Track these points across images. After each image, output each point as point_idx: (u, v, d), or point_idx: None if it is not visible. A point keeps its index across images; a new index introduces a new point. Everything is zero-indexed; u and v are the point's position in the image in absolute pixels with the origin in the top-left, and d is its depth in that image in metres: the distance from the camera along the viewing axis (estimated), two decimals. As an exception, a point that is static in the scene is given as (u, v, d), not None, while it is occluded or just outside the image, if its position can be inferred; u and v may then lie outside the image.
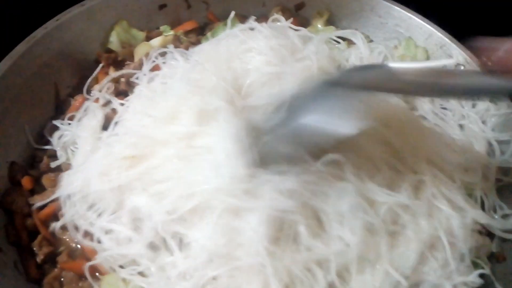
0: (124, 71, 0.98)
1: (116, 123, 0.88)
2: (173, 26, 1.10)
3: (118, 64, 1.02)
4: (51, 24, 0.96)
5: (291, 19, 1.04)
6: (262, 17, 1.07)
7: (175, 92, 0.85)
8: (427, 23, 1.08)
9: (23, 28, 0.95)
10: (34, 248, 0.80)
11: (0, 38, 0.98)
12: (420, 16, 1.09)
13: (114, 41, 1.05)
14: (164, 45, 1.01)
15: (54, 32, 0.96)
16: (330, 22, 1.16)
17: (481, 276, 0.79)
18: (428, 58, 1.07)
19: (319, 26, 1.13)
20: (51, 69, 0.97)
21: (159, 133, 0.79)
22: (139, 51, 1.02)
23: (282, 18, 1.04)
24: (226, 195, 0.70)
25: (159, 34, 1.07)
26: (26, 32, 0.94)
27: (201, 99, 0.80)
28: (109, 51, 1.04)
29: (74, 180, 0.80)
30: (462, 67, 1.03)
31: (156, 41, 1.04)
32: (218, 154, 0.74)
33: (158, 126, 0.80)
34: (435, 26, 1.07)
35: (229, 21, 1.03)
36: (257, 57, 0.89)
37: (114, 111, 0.92)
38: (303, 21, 1.15)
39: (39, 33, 0.94)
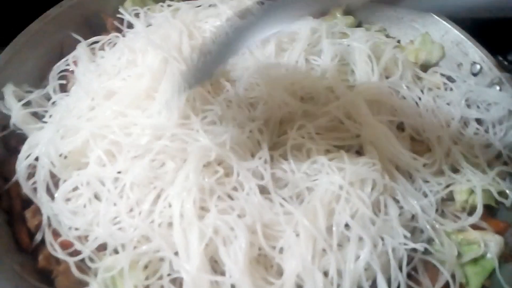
0: (100, 37, 0.97)
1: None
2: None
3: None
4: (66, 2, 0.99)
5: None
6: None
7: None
8: (443, 20, 1.06)
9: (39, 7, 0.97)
10: (27, 216, 0.76)
11: (16, 16, 0.99)
12: (437, 14, 1.07)
13: (128, 8, 1.03)
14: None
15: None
16: (349, 13, 1.13)
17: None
18: (444, 55, 1.05)
19: (338, 14, 1.10)
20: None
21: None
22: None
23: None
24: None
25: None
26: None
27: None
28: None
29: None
30: (478, 66, 1.01)
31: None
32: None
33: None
34: (452, 23, 1.05)
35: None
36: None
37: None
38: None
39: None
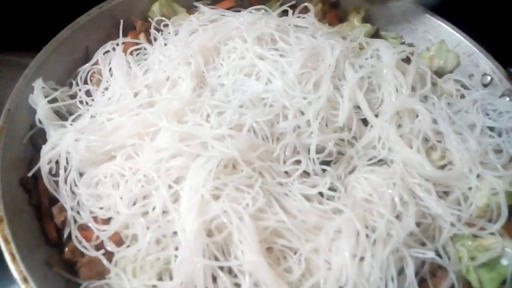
0: (126, 39, 1.02)
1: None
2: (214, 3, 1.13)
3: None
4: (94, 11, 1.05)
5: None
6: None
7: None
8: (456, 32, 1.09)
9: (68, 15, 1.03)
10: (54, 212, 0.82)
11: (49, 23, 1.04)
12: (450, 24, 1.10)
13: (155, 11, 1.09)
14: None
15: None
16: (367, 20, 1.16)
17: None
18: (459, 64, 1.08)
19: (356, 22, 1.13)
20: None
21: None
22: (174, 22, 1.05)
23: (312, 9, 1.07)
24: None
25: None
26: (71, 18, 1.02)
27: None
28: (147, 20, 1.08)
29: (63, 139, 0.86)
30: (489, 78, 1.03)
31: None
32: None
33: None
34: (464, 34, 1.08)
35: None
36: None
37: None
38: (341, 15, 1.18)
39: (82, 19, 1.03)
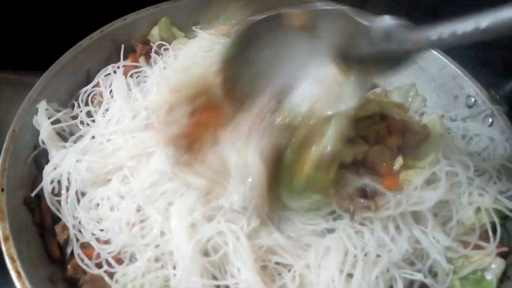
0: (127, 62, 1.07)
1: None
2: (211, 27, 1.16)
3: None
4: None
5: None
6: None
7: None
8: (441, 55, 1.14)
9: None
10: (57, 230, 0.85)
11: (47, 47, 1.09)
12: (435, 49, 1.15)
13: (154, 35, 1.14)
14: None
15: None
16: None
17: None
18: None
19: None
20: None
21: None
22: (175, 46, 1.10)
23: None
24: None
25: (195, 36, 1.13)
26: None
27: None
28: (147, 43, 1.13)
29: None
30: (473, 99, 1.09)
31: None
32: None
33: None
34: (449, 58, 1.13)
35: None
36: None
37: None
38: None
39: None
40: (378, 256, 0.79)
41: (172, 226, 0.79)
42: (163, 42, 1.10)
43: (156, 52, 1.09)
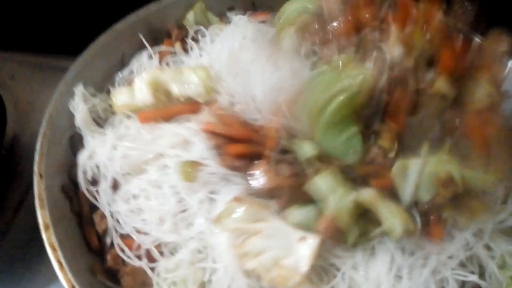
0: (162, 47, 1.04)
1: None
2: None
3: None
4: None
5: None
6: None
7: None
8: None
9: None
10: (95, 219, 0.83)
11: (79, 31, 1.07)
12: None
13: (190, 19, 1.10)
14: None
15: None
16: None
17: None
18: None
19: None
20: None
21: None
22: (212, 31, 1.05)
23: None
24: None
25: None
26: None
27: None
28: (182, 28, 1.09)
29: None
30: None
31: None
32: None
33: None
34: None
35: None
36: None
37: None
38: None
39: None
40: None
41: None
42: (200, 27, 1.06)
43: (192, 38, 1.05)
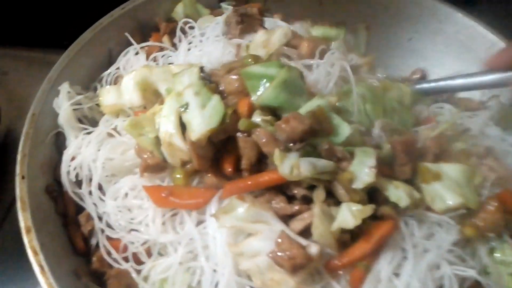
0: (150, 43, 1.00)
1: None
2: (238, 3, 1.09)
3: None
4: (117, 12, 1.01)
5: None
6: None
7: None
8: (491, 32, 1.04)
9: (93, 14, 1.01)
10: (81, 220, 0.81)
11: (71, 25, 1.03)
12: (484, 24, 1.05)
13: (179, 12, 1.06)
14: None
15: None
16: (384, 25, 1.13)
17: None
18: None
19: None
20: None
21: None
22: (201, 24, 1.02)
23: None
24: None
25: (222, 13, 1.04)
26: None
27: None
28: (171, 21, 1.06)
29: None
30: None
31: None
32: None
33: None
34: (500, 35, 1.03)
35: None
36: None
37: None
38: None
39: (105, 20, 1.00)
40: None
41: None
42: (189, 20, 1.02)
43: (181, 30, 1.01)
